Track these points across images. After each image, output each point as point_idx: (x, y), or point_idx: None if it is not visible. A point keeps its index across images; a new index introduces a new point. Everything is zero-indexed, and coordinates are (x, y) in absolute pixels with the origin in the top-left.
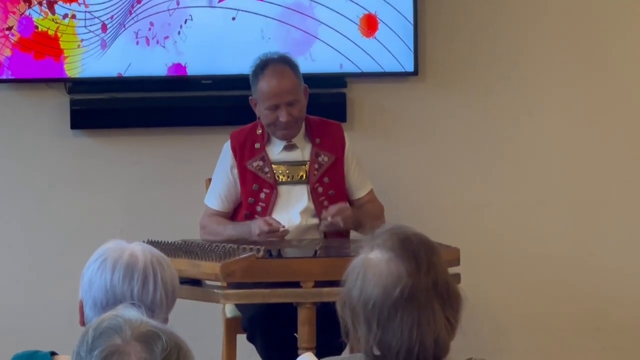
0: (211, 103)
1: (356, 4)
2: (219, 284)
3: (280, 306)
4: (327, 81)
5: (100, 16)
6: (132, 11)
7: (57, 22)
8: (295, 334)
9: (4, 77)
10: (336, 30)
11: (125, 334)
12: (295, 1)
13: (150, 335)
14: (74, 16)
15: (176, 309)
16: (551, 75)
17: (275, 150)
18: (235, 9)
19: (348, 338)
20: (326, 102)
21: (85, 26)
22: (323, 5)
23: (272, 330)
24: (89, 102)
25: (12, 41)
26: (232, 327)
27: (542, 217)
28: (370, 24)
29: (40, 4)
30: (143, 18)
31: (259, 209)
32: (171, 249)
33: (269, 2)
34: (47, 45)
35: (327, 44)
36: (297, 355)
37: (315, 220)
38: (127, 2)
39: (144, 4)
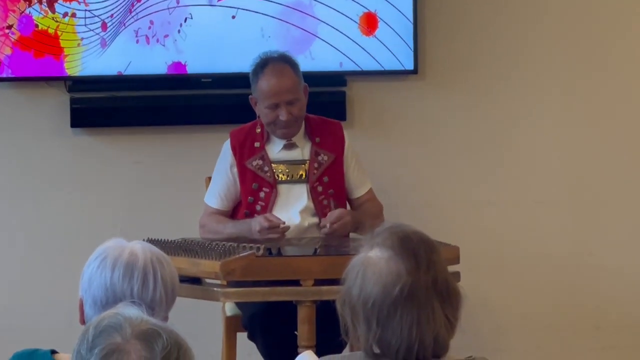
0: (211, 102)
1: (356, 2)
2: (218, 282)
3: (280, 304)
4: (327, 80)
5: (100, 15)
6: (132, 10)
7: (57, 21)
8: (295, 332)
9: (4, 75)
10: (336, 29)
11: (126, 332)
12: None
13: (151, 334)
14: (74, 15)
15: (176, 308)
16: (551, 75)
17: (275, 149)
18: (235, 8)
19: (348, 336)
20: (326, 101)
21: (85, 25)
22: (323, 4)
23: (272, 328)
24: (89, 101)
25: (12, 40)
26: (232, 326)
27: (542, 216)
28: (370, 22)
29: (40, 2)
30: (143, 16)
31: (258, 207)
32: (171, 248)
33: (269, 1)
34: (47, 44)
35: (327, 43)
36: (297, 354)
37: (315, 219)
38: (127, 0)
39: (143, 3)
